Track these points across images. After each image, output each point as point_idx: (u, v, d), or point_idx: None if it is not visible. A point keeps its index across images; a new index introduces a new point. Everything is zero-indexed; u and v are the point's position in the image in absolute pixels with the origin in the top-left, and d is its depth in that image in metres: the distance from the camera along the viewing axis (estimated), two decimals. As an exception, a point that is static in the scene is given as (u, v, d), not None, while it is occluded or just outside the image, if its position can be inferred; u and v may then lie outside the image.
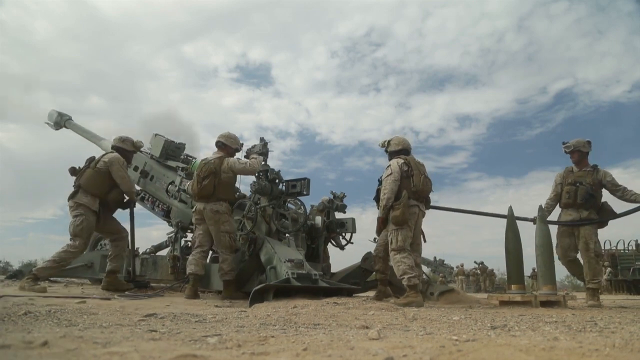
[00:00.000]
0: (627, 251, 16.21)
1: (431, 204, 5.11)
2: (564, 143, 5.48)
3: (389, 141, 5.01)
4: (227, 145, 5.21)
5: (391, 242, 4.54)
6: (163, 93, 54.35)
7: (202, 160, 5.12)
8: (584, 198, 5.15)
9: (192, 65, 53.53)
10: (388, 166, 4.74)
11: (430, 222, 6.18)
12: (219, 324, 2.44)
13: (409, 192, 4.55)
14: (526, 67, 47.00)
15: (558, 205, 5.45)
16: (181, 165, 6.73)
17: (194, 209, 5.07)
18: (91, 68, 48.56)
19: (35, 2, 44.67)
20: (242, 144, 5.40)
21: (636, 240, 16.12)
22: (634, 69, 39.72)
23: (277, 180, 5.55)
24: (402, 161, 4.73)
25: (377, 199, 4.88)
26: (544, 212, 4.94)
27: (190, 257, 4.97)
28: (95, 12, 45.28)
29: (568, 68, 44.43)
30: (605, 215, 5.21)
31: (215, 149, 5.23)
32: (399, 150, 4.93)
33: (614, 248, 16.39)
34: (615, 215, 5.20)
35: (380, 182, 4.93)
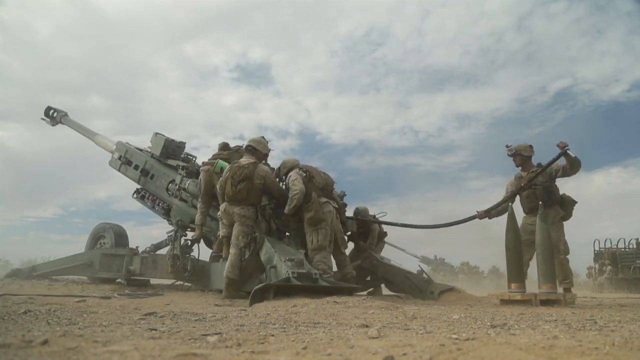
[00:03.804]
0: (627, 249, 16.20)
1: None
2: (507, 146, 5.55)
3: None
4: (258, 150, 5.32)
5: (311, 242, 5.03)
6: (164, 92, 54.25)
7: (234, 164, 5.16)
8: (545, 196, 5.13)
9: (192, 65, 53.48)
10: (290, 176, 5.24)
11: (432, 220, 6.24)
12: (218, 322, 2.44)
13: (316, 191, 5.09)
14: (526, 67, 46.89)
15: (522, 211, 5.46)
16: (181, 164, 6.73)
17: (221, 210, 5.07)
18: (92, 67, 48.39)
19: (36, 2, 44.56)
20: (270, 150, 5.52)
21: (637, 239, 16.10)
22: (633, 68, 39.60)
23: (277, 179, 5.56)
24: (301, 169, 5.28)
25: None
26: (544, 210, 4.94)
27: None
28: (97, 11, 45.21)
29: (567, 67, 44.28)
30: (566, 207, 5.18)
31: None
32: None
33: (615, 246, 16.38)
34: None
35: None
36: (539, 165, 5.31)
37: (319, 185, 5.15)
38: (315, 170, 5.35)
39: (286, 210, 5.10)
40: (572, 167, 5.05)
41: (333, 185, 5.47)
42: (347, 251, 6.01)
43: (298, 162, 5.55)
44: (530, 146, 5.45)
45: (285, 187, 5.36)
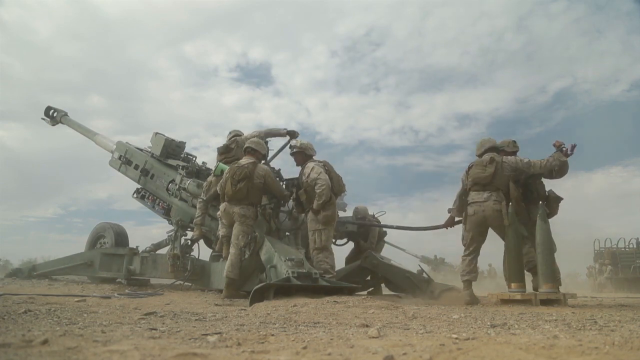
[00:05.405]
0: (627, 249, 16.21)
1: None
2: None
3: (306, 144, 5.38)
4: (257, 151, 5.34)
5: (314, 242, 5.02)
6: (164, 92, 54.28)
7: (234, 164, 5.19)
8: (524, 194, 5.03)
9: (192, 65, 53.51)
10: (311, 167, 5.07)
11: (432, 219, 6.19)
12: (219, 322, 2.44)
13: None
14: (525, 67, 46.89)
15: None
16: (182, 163, 6.74)
17: (221, 210, 5.08)
18: (92, 67, 48.35)
19: (36, 1, 44.56)
20: (269, 150, 5.59)
21: (637, 239, 16.11)
22: (632, 68, 39.51)
23: (278, 179, 5.57)
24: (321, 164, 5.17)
25: None
26: (544, 209, 4.92)
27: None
28: (97, 11, 45.20)
29: (567, 67, 44.22)
30: (551, 204, 5.09)
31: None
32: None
33: (615, 246, 16.39)
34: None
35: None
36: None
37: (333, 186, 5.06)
38: (333, 170, 5.21)
39: (315, 206, 4.99)
40: (561, 169, 4.94)
41: (344, 190, 5.37)
42: (347, 251, 6.03)
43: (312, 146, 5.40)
44: (514, 142, 5.34)
45: (300, 176, 5.20)
